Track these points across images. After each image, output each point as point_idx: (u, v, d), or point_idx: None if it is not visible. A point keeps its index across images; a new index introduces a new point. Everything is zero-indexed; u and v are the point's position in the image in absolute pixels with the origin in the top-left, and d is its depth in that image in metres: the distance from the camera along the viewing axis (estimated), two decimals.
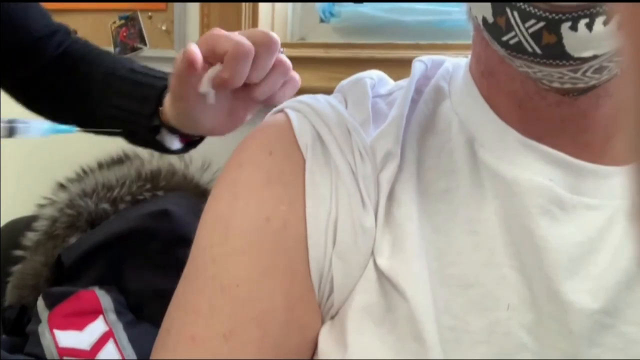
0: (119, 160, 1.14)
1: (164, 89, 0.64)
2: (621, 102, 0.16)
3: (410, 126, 0.47)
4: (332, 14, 1.26)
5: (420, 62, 0.52)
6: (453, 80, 0.50)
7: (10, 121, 0.47)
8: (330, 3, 1.27)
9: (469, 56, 0.49)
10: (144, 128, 0.65)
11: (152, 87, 0.65)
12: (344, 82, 0.53)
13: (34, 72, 0.72)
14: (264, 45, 0.54)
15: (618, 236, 0.41)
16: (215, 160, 1.13)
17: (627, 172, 0.16)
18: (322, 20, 1.25)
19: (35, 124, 0.48)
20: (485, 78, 0.46)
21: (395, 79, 0.55)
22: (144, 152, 1.12)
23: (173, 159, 1.12)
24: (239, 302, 0.42)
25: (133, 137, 0.70)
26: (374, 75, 0.53)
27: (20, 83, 0.74)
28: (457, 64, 0.51)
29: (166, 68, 0.67)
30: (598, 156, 0.43)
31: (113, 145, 1.12)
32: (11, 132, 0.47)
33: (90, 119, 0.69)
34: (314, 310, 0.44)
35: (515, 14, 0.38)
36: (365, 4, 1.30)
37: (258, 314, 0.42)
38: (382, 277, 0.42)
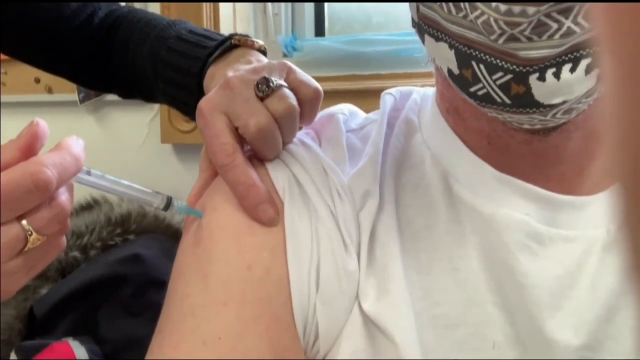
0: (88, 206, 1.12)
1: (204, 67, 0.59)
2: (603, 123, 0.16)
3: (387, 163, 0.46)
4: (294, 49, 1.28)
5: (389, 95, 0.51)
6: (422, 112, 0.49)
7: (170, 197, 0.49)
8: (292, 38, 1.29)
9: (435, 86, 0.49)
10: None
11: (191, 75, 0.60)
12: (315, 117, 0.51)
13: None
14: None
15: (595, 267, 0.41)
16: (185, 199, 1.12)
17: (612, 193, 0.16)
18: (285, 55, 1.26)
19: (185, 207, 0.48)
20: (451, 115, 0.46)
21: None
22: (112, 197, 1.11)
23: None
24: (221, 357, 0.39)
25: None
26: (345, 110, 0.52)
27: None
28: (424, 94, 0.50)
29: None
30: (572, 187, 0.43)
31: (81, 191, 1.10)
32: (167, 205, 0.48)
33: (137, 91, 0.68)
34: (301, 358, 0.42)
35: (482, 66, 0.37)
36: (326, 37, 1.32)
37: None
38: (369, 321, 0.41)
